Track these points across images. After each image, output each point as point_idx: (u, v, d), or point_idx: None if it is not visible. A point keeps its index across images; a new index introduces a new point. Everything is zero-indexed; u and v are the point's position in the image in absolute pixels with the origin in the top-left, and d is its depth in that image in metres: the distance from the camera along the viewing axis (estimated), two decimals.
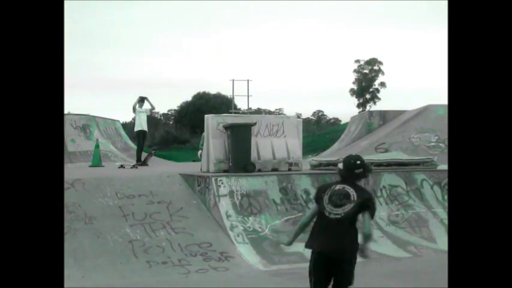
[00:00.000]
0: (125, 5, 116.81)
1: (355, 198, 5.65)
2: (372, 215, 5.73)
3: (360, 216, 5.63)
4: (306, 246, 5.84)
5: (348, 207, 5.61)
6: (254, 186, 11.35)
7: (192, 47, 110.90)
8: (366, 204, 5.67)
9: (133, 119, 18.34)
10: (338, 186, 5.76)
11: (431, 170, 13.32)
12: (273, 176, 11.83)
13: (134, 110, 18.12)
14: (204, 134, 13.22)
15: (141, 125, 18.05)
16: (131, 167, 16.79)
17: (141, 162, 17.81)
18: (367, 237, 5.68)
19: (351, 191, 5.70)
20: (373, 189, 12.11)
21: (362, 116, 25.42)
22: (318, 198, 5.80)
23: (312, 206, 6.20)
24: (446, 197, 12.33)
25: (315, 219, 5.83)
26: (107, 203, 10.69)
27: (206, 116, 13.02)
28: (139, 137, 18.45)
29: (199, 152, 13.91)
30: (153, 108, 18.82)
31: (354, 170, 5.81)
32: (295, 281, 8.84)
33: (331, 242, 5.58)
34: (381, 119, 22.82)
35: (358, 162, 5.85)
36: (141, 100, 18.22)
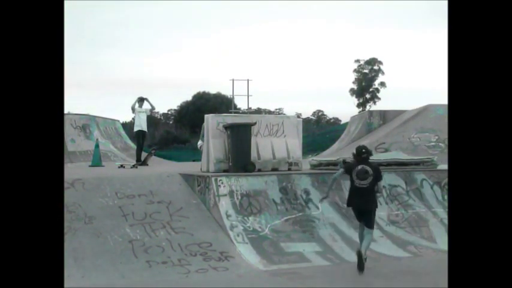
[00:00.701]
0: (125, 5, 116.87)
1: (372, 173, 9.22)
2: (381, 179, 9.59)
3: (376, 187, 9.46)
4: (347, 205, 9.74)
5: (369, 179, 9.22)
6: (254, 186, 11.35)
7: (192, 47, 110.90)
8: (378, 176, 9.37)
9: (133, 118, 18.34)
10: (359, 167, 9.28)
11: (431, 169, 13.31)
12: (273, 175, 11.82)
13: (133, 110, 18.12)
14: (205, 124, 13.25)
15: (141, 125, 18.05)
16: (131, 167, 16.79)
17: (141, 162, 17.82)
18: (380, 191, 10.50)
19: (368, 169, 9.25)
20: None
21: (362, 115, 25.43)
22: (348, 172, 9.40)
23: (340, 170, 9.79)
24: (446, 196, 12.32)
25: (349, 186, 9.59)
26: (106, 203, 10.69)
27: (206, 115, 13.01)
28: (138, 137, 18.46)
29: (199, 142, 13.87)
30: (153, 108, 18.82)
31: (361, 154, 9.39)
32: (295, 281, 8.84)
33: (361, 201, 9.31)
34: (380, 119, 22.83)
35: (364, 150, 9.45)
36: (141, 100, 18.23)
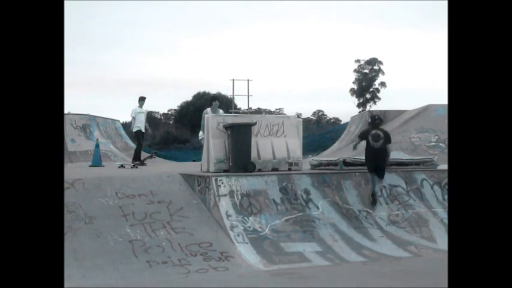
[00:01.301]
0: (125, 5, 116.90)
1: (383, 136, 11.94)
2: (391, 143, 12.17)
3: (387, 147, 11.99)
4: (365, 162, 12.24)
5: (381, 141, 11.89)
6: (254, 186, 11.35)
7: (192, 46, 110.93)
8: (388, 138, 12.03)
9: (133, 118, 18.35)
10: (373, 131, 12.01)
11: (432, 169, 13.31)
12: (273, 175, 11.82)
13: (133, 117, 18.22)
14: (204, 113, 13.29)
15: (140, 125, 18.11)
16: (131, 167, 16.81)
17: (139, 162, 17.85)
18: (389, 154, 12.12)
19: (380, 133, 11.98)
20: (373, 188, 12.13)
21: (362, 115, 25.45)
22: (364, 137, 12.14)
23: (358, 139, 12.66)
24: (446, 196, 12.32)
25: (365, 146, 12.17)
26: (107, 203, 10.69)
27: (206, 115, 13.02)
28: (138, 137, 18.48)
29: (201, 133, 13.81)
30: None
31: (375, 121, 12.31)
32: (295, 281, 8.84)
33: (376, 158, 11.90)
34: None
35: (377, 117, 12.47)
36: (141, 99, 18.28)
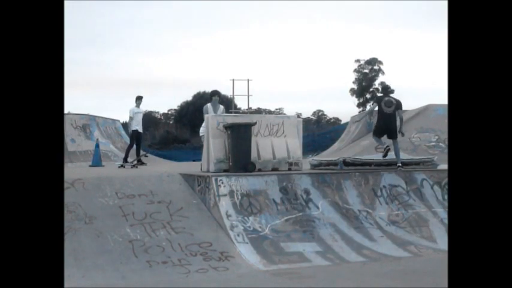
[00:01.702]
0: (125, 5, 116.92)
1: (395, 102, 13.13)
2: (401, 108, 13.32)
3: (396, 112, 13.21)
4: (376, 126, 13.59)
5: (393, 107, 13.08)
6: (254, 185, 11.34)
7: (192, 46, 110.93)
8: (399, 104, 13.21)
9: (131, 118, 18.31)
10: (386, 98, 13.19)
11: (432, 169, 13.31)
12: (273, 175, 11.81)
13: (131, 117, 18.19)
14: (204, 108, 13.47)
15: (138, 125, 18.10)
16: (131, 167, 16.81)
17: (139, 161, 17.87)
18: (401, 119, 13.44)
19: (393, 99, 13.19)
20: (373, 188, 12.12)
21: (362, 115, 25.41)
22: (378, 103, 13.32)
23: (373, 105, 15.09)
24: (446, 196, 12.32)
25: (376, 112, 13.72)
26: (107, 203, 10.69)
27: (206, 115, 13.02)
28: (132, 137, 18.42)
29: (201, 130, 13.79)
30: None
31: (387, 90, 13.74)
32: (294, 280, 8.84)
33: (386, 123, 13.18)
34: None
35: (389, 86, 14.11)
36: (138, 99, 18.27)
